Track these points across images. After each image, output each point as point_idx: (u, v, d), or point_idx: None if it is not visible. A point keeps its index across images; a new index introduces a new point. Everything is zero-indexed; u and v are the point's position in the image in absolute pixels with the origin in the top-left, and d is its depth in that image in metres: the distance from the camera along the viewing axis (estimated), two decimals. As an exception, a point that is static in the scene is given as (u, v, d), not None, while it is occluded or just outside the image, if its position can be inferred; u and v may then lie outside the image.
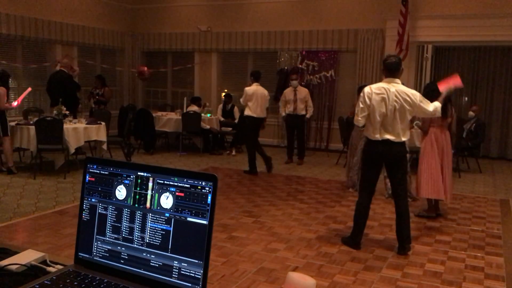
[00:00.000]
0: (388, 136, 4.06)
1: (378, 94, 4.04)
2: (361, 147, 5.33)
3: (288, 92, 8.58)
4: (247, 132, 7.90)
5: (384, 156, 4.13)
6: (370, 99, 4.05)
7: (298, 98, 8.44)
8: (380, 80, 4.40)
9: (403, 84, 4.24)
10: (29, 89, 7.71)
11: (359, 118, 4.12)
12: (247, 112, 7.69)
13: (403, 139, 4.10)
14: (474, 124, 8.60)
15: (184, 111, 9.48)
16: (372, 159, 4.19)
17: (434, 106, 4.18)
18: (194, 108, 9.58)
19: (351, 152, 6.72)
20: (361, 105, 4.10)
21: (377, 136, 4.07)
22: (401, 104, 4.03)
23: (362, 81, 9.69)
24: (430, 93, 4.67)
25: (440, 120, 5.12)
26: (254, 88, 7.65)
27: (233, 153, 9.56)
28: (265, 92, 7.75)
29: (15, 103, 7.47)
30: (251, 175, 7.55)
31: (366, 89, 4.12)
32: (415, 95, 4.10)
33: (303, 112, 8.51)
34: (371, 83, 7.53)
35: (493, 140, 10.23)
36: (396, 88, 4.06)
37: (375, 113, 4.04)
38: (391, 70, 4.11)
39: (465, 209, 5.84)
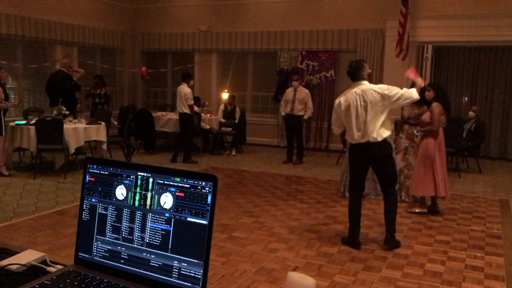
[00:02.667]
0: (366, 139, 4.16)
1: (345, 102, 4.21)
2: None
3: (288, 92, 8.62)
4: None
5: (367, 157, 4.25)
6: (341, 109, 4.24)
7: (296, 99, 8.46)
8: (380, 80, 4.46)
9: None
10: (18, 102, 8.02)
11: (336, 128, 4.48)
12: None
13: (384, 135, 4.14)
14: (474, 124, 8.60)
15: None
16: (357, 161, 4.34)
17: (403, 91, 4.16)
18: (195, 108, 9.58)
19: None
20: (334, 116, 4.38)
21: (356, 139, 4.21)
22: (370, 101, 4.13)
23: (362, 81, 9.66)
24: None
25: (444, 120, 5.21)
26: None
27: (233, 153, 9.56)
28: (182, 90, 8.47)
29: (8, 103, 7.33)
30: (251, 175, 7.56)
31: (336, 101, 4.33)
32: (381, 87, 4.20)
33: (301, 113, 8.53)
34: (371, 83, 7.49)
35: (493, 140, 10.22)
36: (361, 88, 4.19)
37: (349, 120, 4.20)
38: (352, 77, 4.29)
39: (465, 209, 5.84)
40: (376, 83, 4.55)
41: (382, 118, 4.15)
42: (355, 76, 4.25)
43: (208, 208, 1.08)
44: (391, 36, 9.31)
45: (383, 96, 4.12)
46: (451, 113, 5.27)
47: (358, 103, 4.14)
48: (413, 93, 4.20)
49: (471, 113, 8.78)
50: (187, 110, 8.38)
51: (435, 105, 5.19)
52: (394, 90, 4.15)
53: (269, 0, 10.65)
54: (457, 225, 5.16)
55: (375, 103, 4.12)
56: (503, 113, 10.23)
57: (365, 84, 4.22)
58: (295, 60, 10.48)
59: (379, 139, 4.12)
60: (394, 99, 4.13)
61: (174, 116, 9.65)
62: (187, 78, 8.51)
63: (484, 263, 4.06)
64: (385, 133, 4.17)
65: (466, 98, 10.69)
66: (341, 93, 4.45)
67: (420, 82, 4.49)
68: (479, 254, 4.26)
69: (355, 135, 4.18)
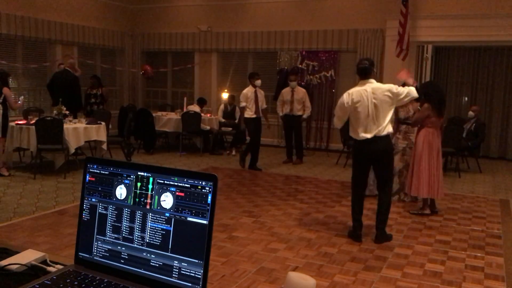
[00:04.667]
0: (372, 134, 4.29)
1: (356, 98, 4.31)
2: None
3: (285, 93, 8.58)
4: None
5: (371, 153, 4.36)
6: (348, 105, 4.33)
7: (295, 99, 8.45)
8: (380, 80, 4.51)
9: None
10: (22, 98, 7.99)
11: (338, 123, 4.57)
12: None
13: (388, 130, 4.34)
14: (474, 124, 8.60)
15: (184, 110, 9.48)
16: (361, 157, 4.44)
17: (408, 89, 4.38)
18: (196, 107, 9.58)
19: None
20: (339, 112, 4.43)
21: (362, 136, 4.32)
22: (380, 99, 4.28)
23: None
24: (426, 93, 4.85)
25: (436, 121, 5.24)
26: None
27: (233, 153, 9.56)
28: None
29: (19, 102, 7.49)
30: (251, 175, 7.56)
31: (345, 96, 4.40)
32: (389, 86, 4.37)
33: (300, 113, 8.53)
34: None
35: (493, 140, 10.22)
36: (371, 87, 4.33)
37: (358, 116, 4.30)
38: (364, 73, 4.39)
39: (465, 209, 5.84)
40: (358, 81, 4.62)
41: (390, 115, 4.36)
42: (368, 73, 4.37)
43: (208, 208, 1.08)
44: (391, 36, 9.31)
45: (393, 95, 4.29)
46: (442, 113, 5.33)
47: (370, 101, 4.26)
48: (414, 92, 4.40)
49: (471, 113, 8.78)
50: (246, 114, 7.85)
51: (424, 107, 5.25)
52: (400, 89, 4.34)
53: (269, 0, 10.65)
54: (457, 225, 5.16)
55: (385, 101, 4.28)
56: (503, 113, 10.23)
57: (374, 83, 4.37)
58: (295, 60, 10.48)
59: (384, 132, 4.31)
60: (401, 97, 4.32)
61: (174, 116, 9.66)
62: (251, 78, 7.95)
63: (484, 263, 4.06)
64: (390, 129, 4.39)
65: (466, 98, 10.69)
66: (341, 90, 4.54)
67: (412, 82, 4.73)
68: (479, 254, 4.26)
69: (362, 132, 4.30)
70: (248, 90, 7.83)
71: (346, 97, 4.37)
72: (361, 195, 4.55)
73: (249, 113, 7.79)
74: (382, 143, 4.32)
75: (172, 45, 11.85)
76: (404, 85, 4.65)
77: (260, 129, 8.02)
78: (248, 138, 8.26)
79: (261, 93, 7.97)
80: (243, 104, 7.82)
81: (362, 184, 4.55)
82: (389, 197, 4.53)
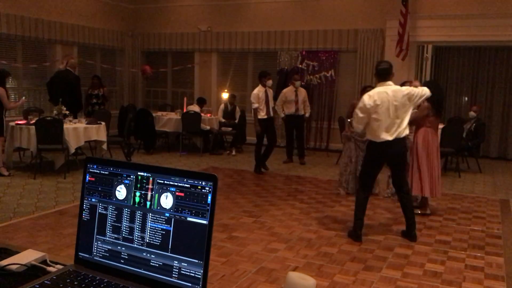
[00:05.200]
0: (393, 136, 4.32)
1: (378, 100, 4.30)
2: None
3: (289, 93, 8.53)
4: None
5: (389, 155, 4.41)
6: (371, 107, 4.30)
7: (299, 99, 8.44)
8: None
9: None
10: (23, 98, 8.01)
11: (359, 126, 4.45)
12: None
13: (406, 132, 4.42)
14: (474, 124, 8.60)
15: (184, 110, 9.48)
16: (377, 158, 4.48)
17: (421, 89, 4.49)
18: (196, 108, 9.58)
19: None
20: (360, 114, 4.38)
21: (383, 137, 4.32)
22: (400, 102, 4.30)
23: (362, 81, 9.69)
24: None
25: (434, 120, 5.25)
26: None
27: (233, 153, 9.56)
28: None
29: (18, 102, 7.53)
30: (251, 175, 7.56)
31: (366, 98, 4.36)
32: (407, 88, 4.45)
33: (302, 112, 8.54)
34: (371, 83, 7.59)
35: (493, 140, 10.22)
36: (391, 89, 4.35)
37: (379, 118, 4.30)
38: (384, 75, 4.40)
39: (465, 209, 5.84)
40: (376, 83, 4.64)
41: (408, 117, 4.41)
42: (388, 75, 4.41)
43: (208, 208, 1.08)
44: (391, 36, 9.31)
45: (411, 97, 4.34)
46: (440, 112, 5.39)
47: (391, 103, 4.29)
48: (427, 90, 4.47)
49: (471, 113, 8.78)
50: (258, 115, 7.52)
51: (423, 106, 5.23)
52: (416, 90, 4.40)
53: (269, 0, 10.65)
54: (457, 225, 5.16)
55: (405, 103, 4.33)
56: (503, 113, 10.23)
57: (393, 85, 4.41)
58: (295, 60, 10.48)
59: (403, 134, 4.38)
60: (417, 98, 4.40)
61: (174, 116, 9.65)
62: (262, 78, 7.64)
63: (484, 263, 4.06)
64: (407, 131, 4.45)
65: (466, 98, 10.68)
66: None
67: (418, 84, 4.90)
68: (479, 254, 4.26)
69: (382, 134, 4.32)
70: (259, 90, 7.54)
71: (367, 99, 4.33)
72: (368, 195, 4.63)
73: (261, 114, 7.52)
74: (401, 145, 4.40)
75: (172, 45, 11.85)
76: (403, 84, 4.78)
77: (273, 129, 7.75)
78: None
79: (270, 93, 7.74)
80: (255, 105, 7.47)
81: (371, 185, 4.69)
82: (410, 196, 4.66)
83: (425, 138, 5.27)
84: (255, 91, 7.57)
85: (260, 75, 7.76)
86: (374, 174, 4.63)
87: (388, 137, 4.32)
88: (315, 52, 10.30)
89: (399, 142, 4.37)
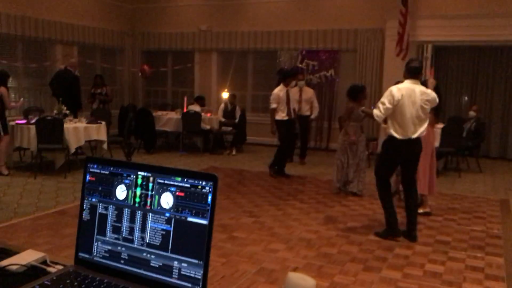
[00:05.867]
0: (416, 135, 4.40)
1: (407, 95, 4.35)
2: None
3: (293, 93, 8.51)
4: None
5: (409, 153, 4.48)
6: (399, 99, 4.34)
7: (303, 99, 8.42)
8: (380, 80, 4.53)
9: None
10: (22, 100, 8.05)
11: (383, 115, 4.44)
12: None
13: (424, 133, 4.50)
14: (474, 124, 8.60)
15: (185, 110, 9.48)
16: (396, 156, 4.53)
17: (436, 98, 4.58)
18: (196, 107, 9.57)
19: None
20: (388, 104, 4.38)
21: (406, 134, 4.38)
22: (424, 102, 4.38)
23: (362, 80, 9.69)
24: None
25: (433, 120, 5.30)
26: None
27: (233, 152, 9.56)
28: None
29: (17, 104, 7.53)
30: (251, 175, 7.56)
31: (395, 90, 4.38)
32: (431, 92, 4.51)
33: (308, 113, 8.50)
34: (371, 83, 7.61)
35: (493, 140, 10.22)
36: (419, 88, 4.42)
37: (405, 112, 4.35)
38: (414, 73, 4.45)
39: (465, 209, 5.84)
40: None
41: (427, 118, 4.48)
42: (418, 73, 4.50)
43: (208, 208, 1.08)
44: (391, 36, 9.31)
45: (432, 98, 4.43)
46: (439, 113, 5.43)
47: (417, 101, 4.35)
48: (437, 100, 4.59)
49: (471, 113, 8.78)
50: (277, 117, 7.23)
51: None
52: (434, 94, 4.52)
53: (269, 0, 10.65)
54: (457, 225, 5.16)
55: (427, 104, 4.40)
56: (503, 113, 10.23)
57: (420, 84, 4.48)
58: (295, 60, 10.48)
59: (421, 134, 4.44)
60: (434, 104, 4.50)
61: (174, 115, 9.65)
62: (287, 77, 7.30)
63: (484, 263, 4.06)
64: (425, 130, 4.51)
65: (466, 98, 10.68)
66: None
67: (433, 81, 5.09)
68: (479, 255, 4.26)
69: (406, 131, 4.37)
70: (280, 90, 7.19)
71: (396, 91, 4.35)
72: (390, 190, 4.74)
73: (281, 115, 7.15)
74: (420, 144, 4.48)
75: (172, 45, 11.85)
76: (425, 82, 4.94)
77: (293, 132, 7.43)
78: (277, 141, 7.67)
79: (306, 92, 7.43)
80: (274, 105, 7.14)
81: (389, 181, 4.77)
82: (417, 196, 4.77)
83: (425, 138, 5.27)
84: (276, 90, 7.24)
85: (284, 74, 7.46)
86: (393, 170, 4.73)
87: (412, 135, 4.38)
88: (315, 52, 10.30)
89: (419, 141, 4.44)
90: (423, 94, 4.38)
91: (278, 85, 7.26)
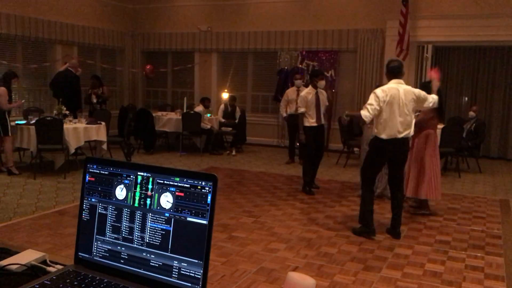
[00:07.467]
0: (402, 135, 4.41)
1: (391, 97, 4.37)
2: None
3: (290, 92, 8.53)
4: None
5: (394, 153, 4.48)
6: (385, 100, 4.37)
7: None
8: (380, 81, 4.55)
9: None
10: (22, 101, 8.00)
11: (370, 115, 4.43)
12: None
13: (412, 133, 4.53)
14: (474, 124, 8.60)
15: (185, 110, 9.48)
16: (383, 156, 4.55)
17: (432, 98, 4.65)
18: (200, 108, 9.57)
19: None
20: (375, 105, 4.40)
21: (392, 134, 4.39)
22: (410, 100, 4.41)
23: (362, 81, 9.70)
24: (425, 91, 4.91)
25: (437, 122, 5.27)
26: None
27: (233, 153, 9.56)
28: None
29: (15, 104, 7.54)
30: (251, 175, 7.56)
31: (379, 92, 4.43)
32: (419, 92, 4.55)
33: None
34: (371, 83, 7.61)
35: (493, 140, 10.22)
36: (403, 87, 4.44)
37: (390, 113, 4.37)
38: (395, 73, 4.48)
39: (465, 209, 5.84)
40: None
41: (413, 118, 4.53)
42: (399, 73, 4.50)
43: (208, 208, 1.08)
44: (391, 36, 9.31)
45: (419, 99, 4.47)
46: (442, 115, 5.45)
47: (402, 101, 4.38)
48: (437, 101, 4.69)
49: (471, 113, 8.78)
50: (306, 122, 6.35)
51: (430, 108, 5.19)
52: (428, 96, 4.57)
53: (269, 0, 10.65)
54: (457, 225, 5.16)
55: (412, 103, 4.43)
56: (503, 113, 10.22)
57: (403, 84, 4.50)
58: (295, 60, 10.48)
59: (409, 134, 4.48)
60: (426, 103, 4.57)
61: (174, 116, 9.65)
62: (314, 77, 6.42)
63: (484, 263, 4.06)
64: (412, 130, 4.54)
65: (466, 98, 10.67)
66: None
67: (439, 84, 5.04)
68: (479, 254, 4.26)
69: (392, 131, 4.39)
70: (309, 93, 6.29)
71: (381, 93, 4.38)
72: (374, 191, 4.81)
73: (310, 121, 6.28)
74: (406, 144, 4.52)
75: (172, 45, 11.85)
76: (429, 82, 5.01)
77: (322, 139, 6.57)
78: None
79: (323, 95, 6.45)
80: (302, 109, 6.30)
81: (375, 180, 4.83)
82: (402, 193, 4.75)
83: (428, 140, 5.26)
84: (304, 93, 6.39)
85: (311, 74, 6.68)
86: (379, 170, 4.75)
87: (398, 134, 4.40)
88: (315, 52, 10.30)
89: (406, 141, 4.47)
90: (408, 93, 4.42)
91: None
